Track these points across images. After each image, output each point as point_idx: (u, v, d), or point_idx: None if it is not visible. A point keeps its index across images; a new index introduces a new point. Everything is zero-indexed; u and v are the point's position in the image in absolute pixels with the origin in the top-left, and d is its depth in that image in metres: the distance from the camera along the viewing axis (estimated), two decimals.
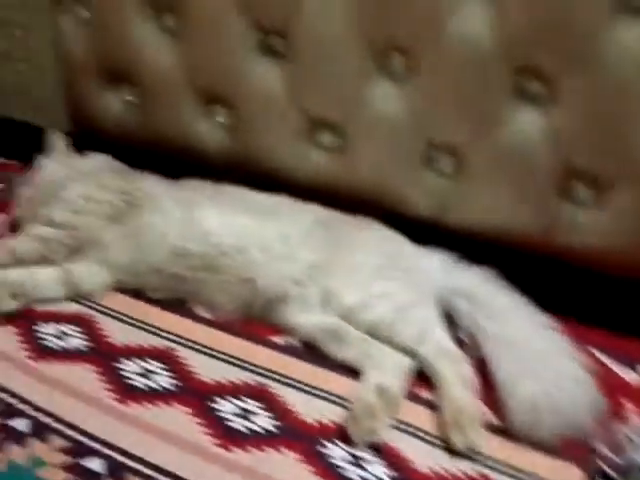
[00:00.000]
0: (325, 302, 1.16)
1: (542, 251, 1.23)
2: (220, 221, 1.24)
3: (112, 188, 1.30)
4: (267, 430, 0.98)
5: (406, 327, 1.09)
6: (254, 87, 1.36)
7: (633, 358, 1.17)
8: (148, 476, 0.90)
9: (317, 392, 1.06)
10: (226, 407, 1.02)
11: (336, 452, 0.95)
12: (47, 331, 1.16)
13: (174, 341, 1.16)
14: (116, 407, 1.01)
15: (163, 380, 1.07)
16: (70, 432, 0.96)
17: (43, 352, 1.11)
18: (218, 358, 1.13)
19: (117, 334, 1.17)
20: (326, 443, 0.96)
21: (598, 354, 1.17)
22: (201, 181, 1.36)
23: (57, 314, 1.20)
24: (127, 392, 1.04)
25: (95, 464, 0.91)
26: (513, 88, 1.15)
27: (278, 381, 1.08)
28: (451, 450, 0.96)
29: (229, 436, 0.97)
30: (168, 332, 1.18)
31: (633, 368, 1.15)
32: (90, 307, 1.23)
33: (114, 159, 1.45)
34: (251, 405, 1.03)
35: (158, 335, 1.17)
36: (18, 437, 0.95)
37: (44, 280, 1.21)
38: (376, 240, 1.23)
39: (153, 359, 1.11)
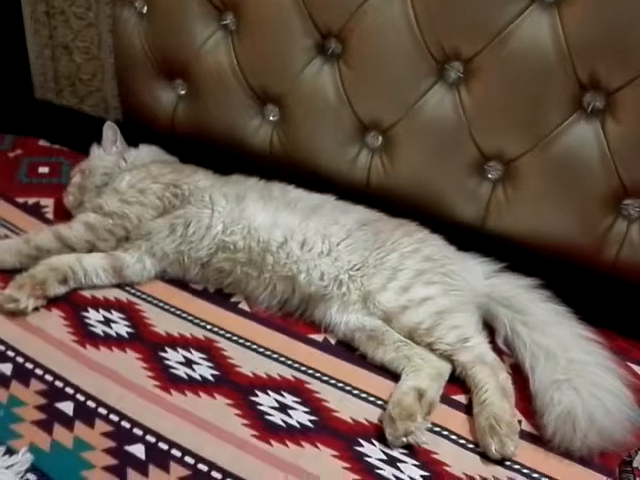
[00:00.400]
0: (365, 303, 1.17)
1: (589, 264, 1.23)
2: (265, 217, 1.26)
3: (162, 180, 1.33)
4: (303, 425, 1.00)
5: (445, 332, 1.10)
6: (307, 88, 1.38)
7: None
8: (188, 464, 0.92)
9: (353, 391, 1.08)
10: (264, 400, 1.04)
11: (372, 451, 0.96)
12: (93, 317, 1.19)
13: (215, 332, 1.18)
14: (159, 395, 1.04)
15: (204, 370, 1.09)
16: (114, 417, 0.99)
17: (89, 337, 1.15)
18: (257, 352, 1.15)
19: (160, 323, 1.19)
20: (362, 441, 0.98)
21: (637, 369, 1.16)
22: (249, 177, 1.38)
23: (103, 300, 1.24)
24: (169, 380, 1.07)
25: (139, 450, 0.94)
26: (572, 100, 1.15)
27: (315, 377, 1.10)
28: (485, 456, 0.97)
29: (267, 429, 0.99)
30: (210, 323, 1.20)
31: None
32: (134, 295, 1.26)
33: (164, 151, 1.48)
34: (289, 400, 1.05)
35: (199, 326, 1.20)
36: (63, 419, 0.98)
37: (92, 267, 1.25)
38: (418, 243, 1.23)
39: (195, 349, 1.14)
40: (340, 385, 1.09)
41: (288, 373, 1.10)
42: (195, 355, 1.13)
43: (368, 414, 1.03)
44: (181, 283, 1.30)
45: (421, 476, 0.94)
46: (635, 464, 0.93)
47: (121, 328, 1.17)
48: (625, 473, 0.93)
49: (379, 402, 1.05)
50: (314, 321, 1.22)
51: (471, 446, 0.99)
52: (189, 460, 0.93)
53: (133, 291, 1.27)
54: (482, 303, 1.19)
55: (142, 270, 1.28)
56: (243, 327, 1.20)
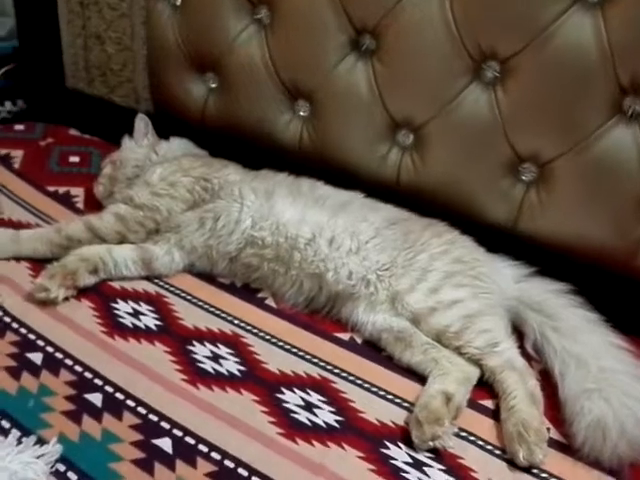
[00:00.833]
0: (392, 304, 1.16)
1: (622, 270, 1.21)
2: (294, 213, 1.26)
3: (192, 173, 1.34)
4: (329, 424, 1.00)
5: (474, 336, 1.09)
6: (339, 84, 1.37)
7: None
8: (215, 459, 0.93)
9: (379, 392, 1.07)
10: (291, 398, 1.04)
11: (398, 454, 0.96)
12: (122, 308, 1.20)
13: (242, 327, 1.19)
14: (186, 389, 1.04)
15: (231, 365, 1.10)
16: (142, 410, 1.00)
17: (118, 329, 1.15)
18: (284, 348, 1.15)
19: (188, 316, 1.20)
20: (388, 444, 0.97)
21: None
22: (278, 172, 1.38)
23: (132, 292, 1.25)
24: (196, 374, 1.07)
25: (166, 444, 0.94)
26: (612, 103, 1.13)
27: (341, 377, 1.10)
28: (512, 463, 0.96)
29: (293, 427, 0.99)
30: (237, 318, 1.20)
31: None
32: (163, 287, 1.27)
33: (195, 145, 1.49)
34: (315, 398, 1.05)
35: (227, 320, 1.20)
36: (92, 410, 0.99)
37: (122, 258, 1.26)
38: (447, 244, 1.22)
39: (222, 344, 1.14)
40: (366, 386, 1.08)
41: (314, 371, 1.10)
42: (222, 350, 1.13)
43: (394, 416, 1.02)
44: (208, 277, 1.30)
45: None
46: None
47: (150, 320, 1.18)
48: None
49: (405, 404, 1.05)
50: (340, 319, 1.22)
51: (498, 452, 0.98)
52: (216, 456, 0.93)
53: (161, 283, 1.28)
54: (511, 307, 1.18)
55: (171, 263, 1.29)
56: (269, 323, 1.20)
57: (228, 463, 0.92)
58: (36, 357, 1.08)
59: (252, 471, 0.91)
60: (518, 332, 1.17)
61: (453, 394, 1.01)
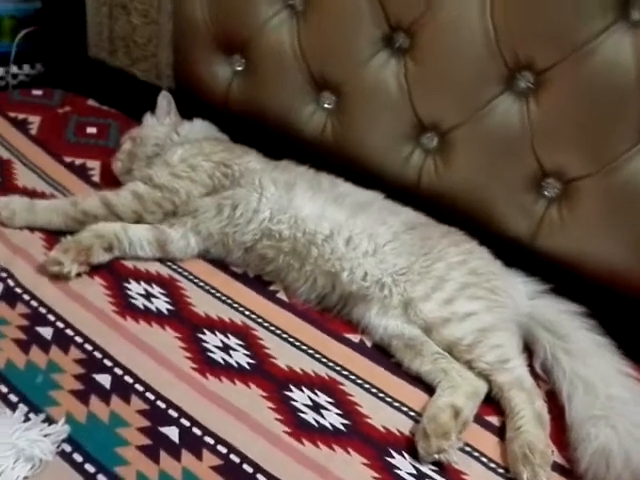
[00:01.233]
0: (405, 310, 1.16)
1: (637, 295, 1.20)
2: (313, 209, 1.25)
3: (213, 158, 1.32)
4: (336, 427, 1.00)
5: (486, 351, 1.09)
6: (369, 79, 1.36)
7: None
8: (221, 453, 0.92)
9: (386, 398, 1.07)
10: (298, 396, 1.04)
11: (402, 463, 0.96)
12: (134, 289, 1.19)
13: (253, 319, 1.18)
14: (195, 377, 1.04)
15: (240, 357, 1.09)
16: (150, 395, 0.99)
17: (129, 309, 1.14)
18: (293, 345, 1.14)
19: (200, 303, 1.19)
20: (393, 452, 0.97)
21: None
22: (298, 164, 1.36)
23: (145, 273, 1.24)
24: (206, 364, 1.06)
25: (173, 433, 0.94)
26: None
27: (350, 379, 1.09)
28: None
29: (300, 426, 0.99)
30: (248, 309, 1.20)
31: None
32: (176, 271, 1.26)
33: (217, 128, 1.47)
34: (322, 399, 1.04)
35: (238, 310, 1.19)
36: (100, 392, 0.98)
37: (137, 238, 1.25)
38: (465, 255, 1.21)
39: (232, 334, 1.14)
40: (374, 390, 1.08)
41: (322, 371, 1.10)
42: (232, 340, 1.12)
43: (400, 424, 1.02)
44: (221, 264, 1.29)
45: None
46: None
47: (161, 304, 1.17)
48: None
49: (411, 413, 1.04)
50: (351, 320, 1.21)
51: (501, 471, 0.97)
52: (221, 449, 0.93)
53: (174, 267, 1.27)
54: (523, 323, 1.17)
55: (186, 247, 1.28)
56: (280, 317, 1.20)
57: (234, 458, 0.92)
58: (46, 332, 1.07)
59: (257, 468, 0.91)
60: (527, 350, 1.16)
61: (462, 408, 1.01)
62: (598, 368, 1.07)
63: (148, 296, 1.18)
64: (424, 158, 1.37)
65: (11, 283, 1.15)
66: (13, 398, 0.95)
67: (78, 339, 1.07)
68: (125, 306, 1.15)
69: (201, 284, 1.24)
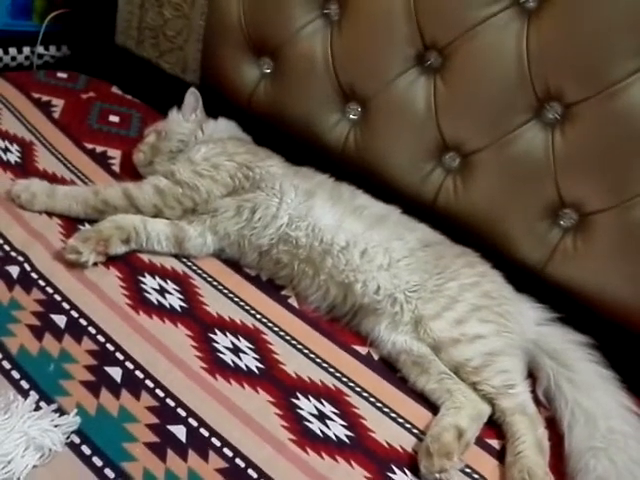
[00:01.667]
0: (415, 326, 1.17)
1: None
2: (332, 219, 1.26)
3: (236, 159, 1.33)
4: (340, 439, 1.01)
5: (492, 375, 1.10)
6: (397, 95, 1.36)
7: None
8: (227, 456, 0.93)
9: (390, 413, 1.08)
10: (305, 405, 1.05)
11: None
12: (149, 283, 1.20)
13: (264, 323, 1.19)
14: (204, 378, 1.05)
15: (249, 361, 1.10)
16: (160, 392, 1.00)
17: (143, 303, 1.15)
18: (302, 352, 1.15)
19: (213, 303, 1.20)
20: (395, 468, 0.98)
21: None
22: (318, 172, 1.37)
23: (160, 268, 1.24)
24: (216, 364, 1.07)
25: (180, 432, 0.95)
26: None
27: (355, 391, 1.10)
28: None
29: (305, 435, 1.00)
30: (259, 313, 1.21)
31: None
32: (191, 268, 1.27)
33: (241, 129, 1.48)
34: (328, 409, 1.05)
35: (249, 313, 1.20)
36: (111, 385, 0.99)
37: (155, 232, 1.26)
38: (478, 277, 1.23)
39: (243, 337, 1.15)
40: (379, 405, 1.09)
41: (330, 381, 1.11)
42: (243, 343, 1.13)
43: (403, 440, 1.03)
44: (235, 265, 1.30)
45: None
46: None
47: (175, 300, 1.18)
48: None
49: (414, 430, 1.06)
50: (360, 331, 1.22)
51: None
52: (228, 452, 0.94)
53: (189, 264, 1.28)
54: (528, 349, 1.18)
55: (202, 246, 1.29)
56: (291, 323, 1.21)
57: (239, 462, 0.93)
58: (60, 320, 1.08)
59: (262, 474, 0.92)
60: (530, 375, 1.18)
61: (465, 430, 1.02)
62: (600, 400, 1.08)
63: (162, 292, 1.19)
64: (444, 177, 1.38)
65: (27, 267, 1.15)
66: (25, 385, 0.96)
67: (91, 330, 1.08)
68: (139, 300, 1.16)
69: (215, 283, 1.25)
